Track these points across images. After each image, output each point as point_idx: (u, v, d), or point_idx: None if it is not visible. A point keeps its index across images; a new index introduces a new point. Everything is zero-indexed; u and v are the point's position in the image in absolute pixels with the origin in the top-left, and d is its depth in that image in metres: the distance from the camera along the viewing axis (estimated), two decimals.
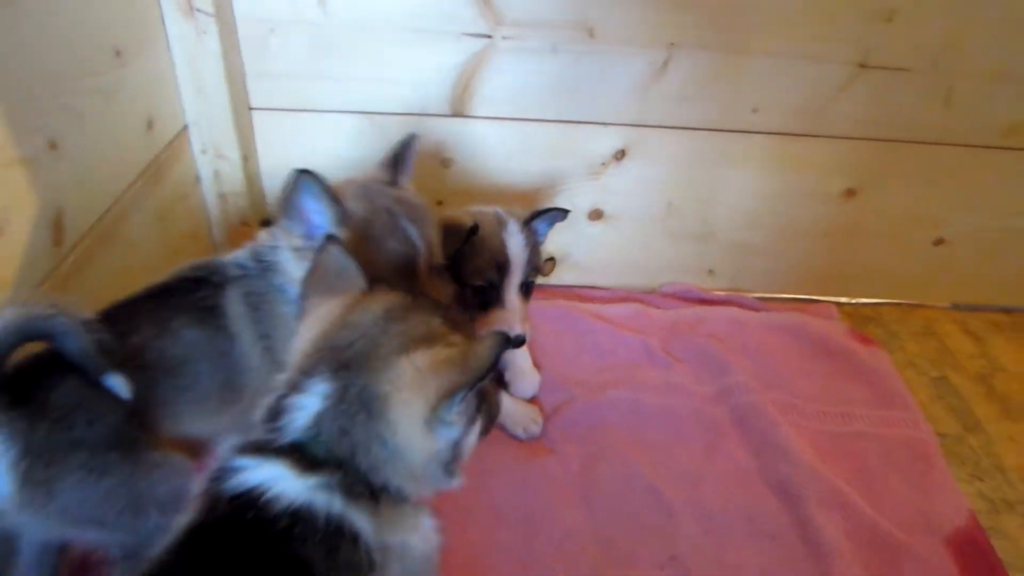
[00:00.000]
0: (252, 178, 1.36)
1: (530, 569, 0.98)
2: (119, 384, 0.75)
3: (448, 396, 0.61)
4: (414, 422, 0.62)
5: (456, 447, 0.67)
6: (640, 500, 1.09)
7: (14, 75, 0.83)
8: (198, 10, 1.15)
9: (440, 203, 1.37)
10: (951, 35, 1.28)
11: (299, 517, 0.59)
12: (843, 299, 1.59)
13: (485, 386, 0.68)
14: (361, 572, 0.61)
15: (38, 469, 0.72)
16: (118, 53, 1.04)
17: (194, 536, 0.60)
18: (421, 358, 0.63)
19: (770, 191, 1.43)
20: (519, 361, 1.25)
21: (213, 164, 1.31)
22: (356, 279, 0.72)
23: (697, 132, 1.36)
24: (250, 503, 0.59)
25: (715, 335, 1.40)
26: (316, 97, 1.31)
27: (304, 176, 0.82)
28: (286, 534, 0.59)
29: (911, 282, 1.58)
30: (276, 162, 1.36)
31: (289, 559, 0.58)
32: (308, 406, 0.63)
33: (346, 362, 0.64)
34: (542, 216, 1.13)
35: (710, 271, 1.54)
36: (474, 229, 1.05)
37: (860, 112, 1.35)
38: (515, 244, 1.07)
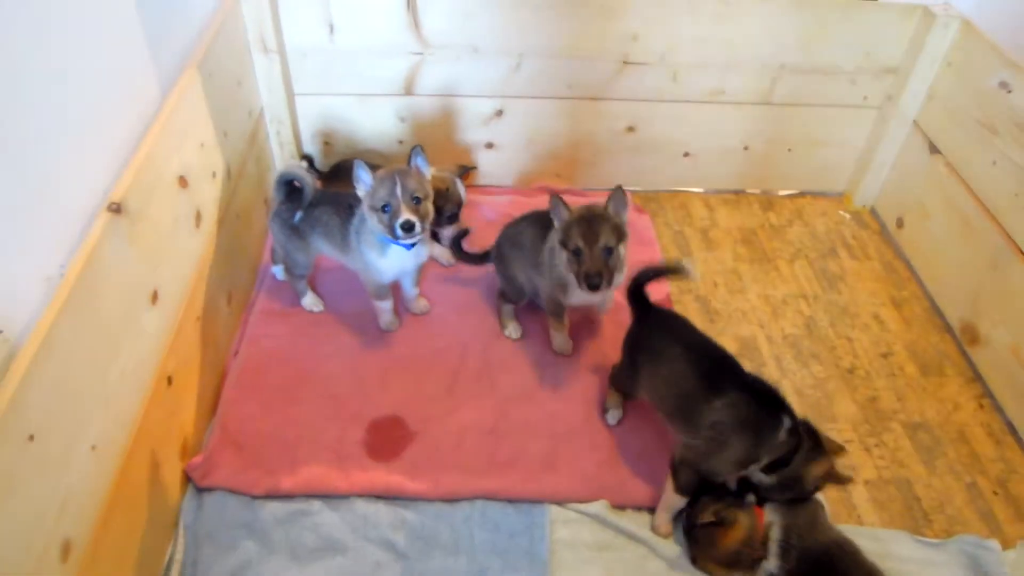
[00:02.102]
0: (296, 135, 2.46)
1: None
2: (299, 215, 1.94)
3: None
4: None
5: None
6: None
7: None
8: (269, 49, 2.23)
9: (400, 142, 2.49)
10: (670, 44, 2.39)
11: None
12: (636, 188, 2.75)
13: None
14: None
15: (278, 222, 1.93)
16: (239, 83, 2.12)
17: None
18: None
19: (582, 129, 2.55)
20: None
21: (276, 127, 2.40)
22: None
23: (541, 100, 2.47)
24: None
25: None
26: (330, 87, 2.40)
27: (357, 162, 1.83)
28: None
29: (675, 179, 2.74)
30: (309, 124, 2.47)
31: None
32: None
33: None
34: (465, 170, 2.25)
35: (557, 175, 2.67)
36: (445, 189, 2.16)
37: (627, 86, 2.47)
38: (462, 190, 2.19)
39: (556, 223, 1.77)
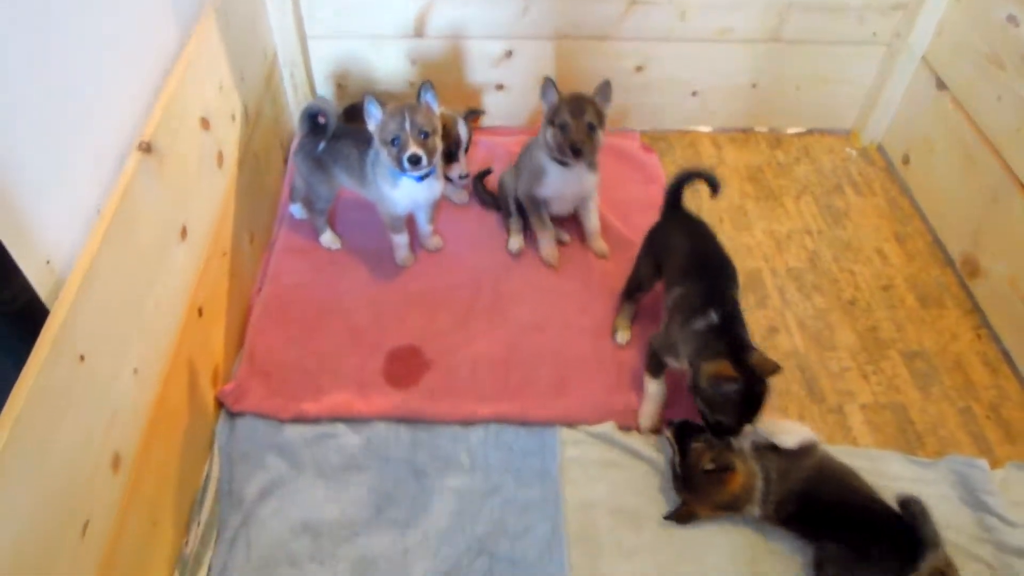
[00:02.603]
0: (309, 77, 2.51)
1: None
2: (323, 145, 2.00)
3: None
4: None
5: None
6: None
7: None
8: None
9: (412, 84, 2.53)
10: None
11: None
12: (645, 127, 2.78)
13: None
14: None
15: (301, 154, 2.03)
16: (254, 26, 2.17)
17: None
18: None
19: (590, 69, 2.58)
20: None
21: (290, 70, 2.45)
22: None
23: (549, 40, 2.50)
24: None
25: None
26: (341, 29, 2.43)
27: (367, 97, 1.94)
28: None
29: (684, 118, 2.77)
30: (322, 67, 2.51)
31: None
32: None
33: None
34: (472, 113, 2.29)
35: None
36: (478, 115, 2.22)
37: (635, 26, 2.48)
38: (463, 130, 2.24)
39: (545, 106, 2.00)
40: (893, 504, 1.56)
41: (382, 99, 1.97)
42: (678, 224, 1.95)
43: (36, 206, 1.22)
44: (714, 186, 1.91)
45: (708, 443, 1.66)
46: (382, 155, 1.90)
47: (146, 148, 1.46)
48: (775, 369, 1.54)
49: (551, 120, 1.97)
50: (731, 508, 1.66)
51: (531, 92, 2.63)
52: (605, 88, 1.97)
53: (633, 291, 2.04)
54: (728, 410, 1.57)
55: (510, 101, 2.65)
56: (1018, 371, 2.07)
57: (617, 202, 2.43)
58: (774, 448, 1.66)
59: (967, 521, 1.75)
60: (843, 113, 2.78)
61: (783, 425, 1.69)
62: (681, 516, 1.67)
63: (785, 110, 2.76)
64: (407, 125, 1.82)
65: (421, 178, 1.94)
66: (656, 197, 2.45)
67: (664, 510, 1.71)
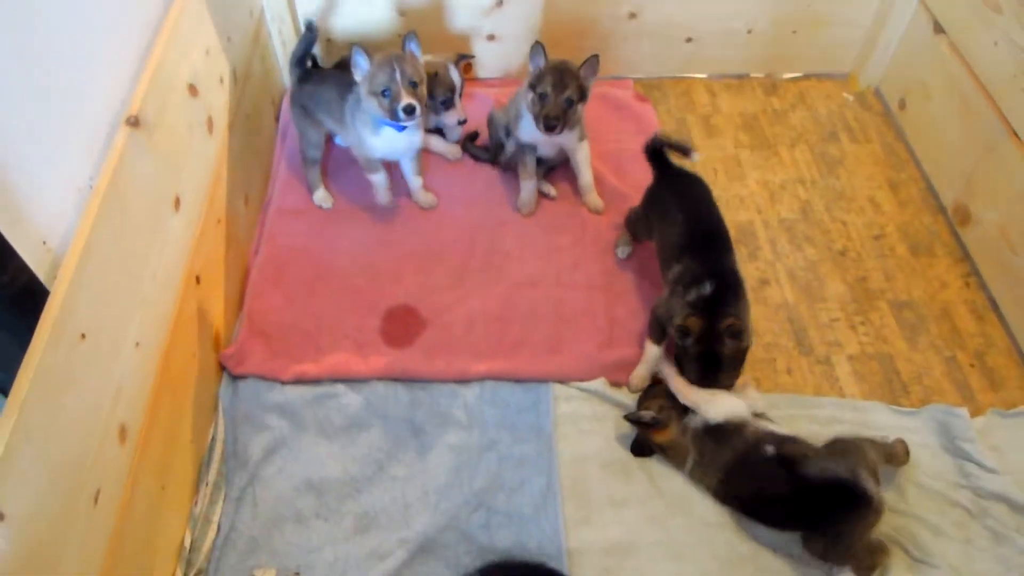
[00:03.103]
0: (297, 33, 2.46)
1: None
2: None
3: None
4: None
5: None
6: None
7: None
8: None
9: (401, 36, 2.49)
10: None
11: None
12: (639, 75, 2.75)
13: None
14: None
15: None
16: None
17: None
18: None
19: (583, 17, 2.53)
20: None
21: (277, 26, 2.40)
22: None
23: None
24: None
25: None
26: None
27: (355, 48, 1.91)
28: None
29: (679, 65, 2.73)
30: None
31: None
32: None
33: None
34: (462, 58, 2.26)
35: None
36: (434, 74, 2.18)
37: None
38: (456, 75, 2.21)
39: (531, 68, 2.00)
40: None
41: (370, 50, 1.97)
42: (670, 189, 1.94)
43: (29, 188, 1.24)
44: (685, 151, 1.89)
45: (665, 404, 1.74)
46: (370, 105, 1.91)
47: (134, 123, 1.46)
48: (736, 335, 1.64)
49: (533, 85, 1.99)
50: (665, 455, 1.76)
51: (523, 42, 2.58)
52: (593, 63, 1.98)
53: (631, 229, 2.10)
54: (690, 365, 1.69)
55: (502, 51, 2.62)
56: (1004, 318, 2.10)
57: (610, 154, 2.42)
58: (714, 437, 1.69)
59: (947, 468, 1.81)
60: (840, 57, 2.74)
61: (717, 398, 1.70)
62: (635, 447, 1.77)
63: (781, 55, 2.72)
64: (398, 76, 1.84)
65: (402, 128, 1.95)
66: None
67: (652, 462, 1.78)
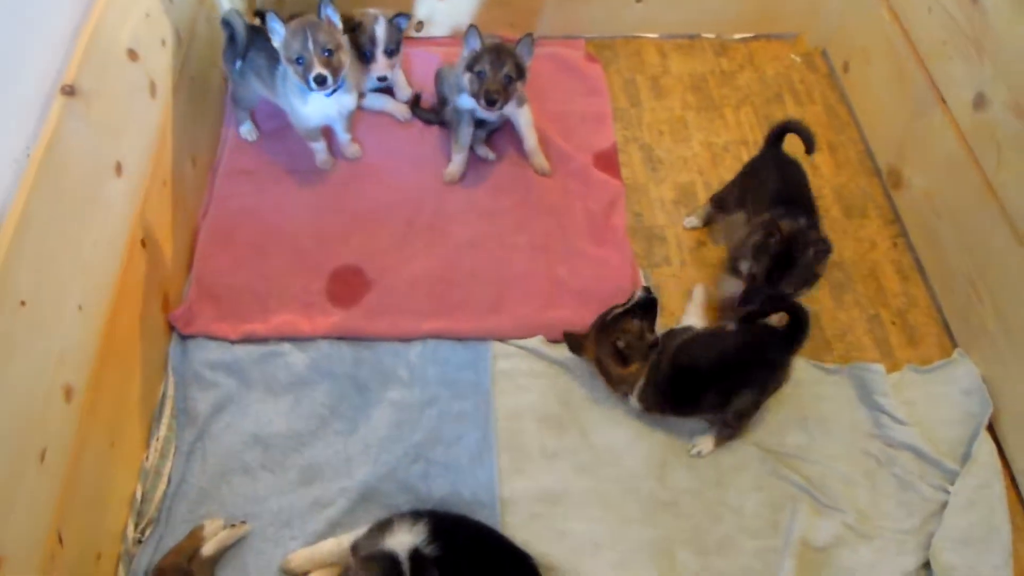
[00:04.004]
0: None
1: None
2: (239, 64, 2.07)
3: None
4: None
5: None
6: None
7: None
8: None
9: None
10: None
11: None
12: (591, 35, 2.77)
13: None
14: None
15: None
16: None
17: None
18: None
19: None
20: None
21: None
22: None
23: None
24: None
25: None
26: None
27: (269, 14, 1.90)
28: None
29: (631, 24, 2.75)
30: None
31: None
32: None
33: None
34: (398, 16, 2.26)
35: (511, 24, 2.69)
36: (355, 26, 2.19)
37: None
38: (380, 29, 2.22)
39: (465, 51, 2.05)
40: None
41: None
42: (775, 162, 2.02)
43: None
44: (809, 145, 2.00)
45: (644, 330, 1.81)
46: (289, 72, 1.95)
47: (69, 91, 1.49)
48: (823, 250, 1.78)
49: (470, 66, 2.04)
50: (610, 380, 1.84)
51: (474, 1, 2.60)
52: (527, 42, 2.05)
53: (716, 204, 2.18)
54: (762, 259, 1.78)
55: (452, 10, 2.62)
56: (927, 279, 2.20)
57: (558, 114, 2.46)
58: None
59: (862, 419, 1.94)
60: (790, 16, 2.77)
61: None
62: (572, 341, 1.86)
63: (733, 15, 2.75)
64: (310, 44, 1.87)
65: (330, 93, 1.98)
66: (599, 109, 2.51)
67: (585, 417, 1.88)
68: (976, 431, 1.88)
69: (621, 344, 1.77)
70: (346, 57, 1.96)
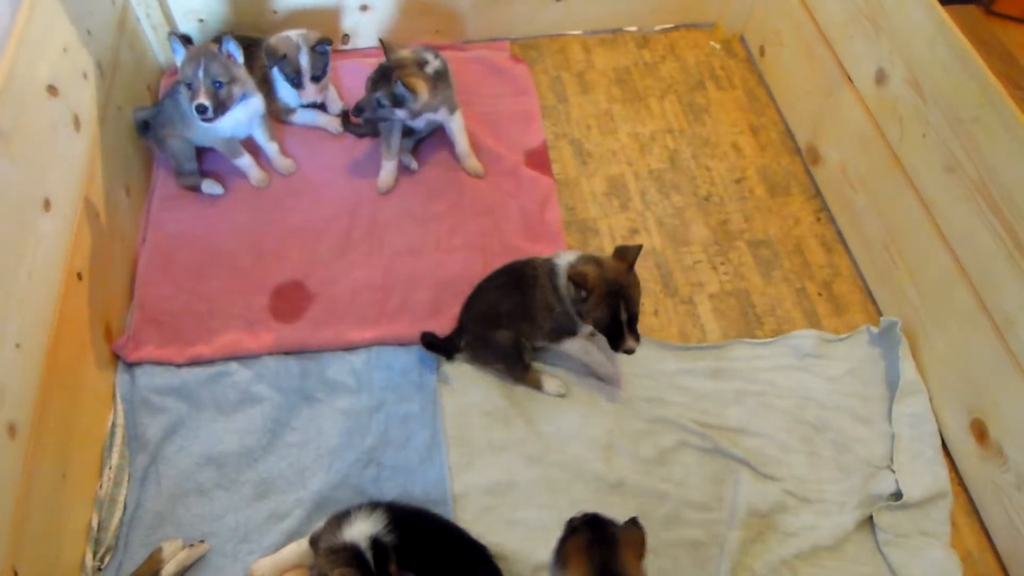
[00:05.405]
0: (166, 15, 2.46)
1: None
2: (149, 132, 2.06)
3: None
4: None
5: None
6: None
7: None
8: None
9: (275, 12, 2.52)
10: None
11: None
12: (516, 36, 2.83)
13: None
14: None
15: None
16: None
17: None
18: None
19: None
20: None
21: (145, 11, 2.39)
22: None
23: None
24: None
25: None
26: None
27: (173, 35, 1.95)
28: None
29: (553, 23, 2.82)
30: (179, 3, 2.46)
31: None
32: None
33: None
34: (320, 43, 2.28)
35: (437, 31, 2.74)
36: (281, 57, 2.22)
37: None
38: (304, 59, 2.24)
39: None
40: None
41: (246, 33, 2.06)
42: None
43: None
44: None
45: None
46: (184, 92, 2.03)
47: None
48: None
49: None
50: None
51: (396, 9, 2.64)
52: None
53: None
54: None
55: (376, 20, 2.66)
56: (849, 249, 2.31)
57: (488, 116, 2.52)
58: None
59: (796, 387, 2.03)
60: (707, 5, 2.86)
61: None
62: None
63: (653, 6, 2.83)
64: (200, 73, 1.95)
65: (212, 121, 2.03)
66: (528, 108, 2.57)
67: (530, 408, 1.94)
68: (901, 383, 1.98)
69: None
70: (239, 89, 2.04)
